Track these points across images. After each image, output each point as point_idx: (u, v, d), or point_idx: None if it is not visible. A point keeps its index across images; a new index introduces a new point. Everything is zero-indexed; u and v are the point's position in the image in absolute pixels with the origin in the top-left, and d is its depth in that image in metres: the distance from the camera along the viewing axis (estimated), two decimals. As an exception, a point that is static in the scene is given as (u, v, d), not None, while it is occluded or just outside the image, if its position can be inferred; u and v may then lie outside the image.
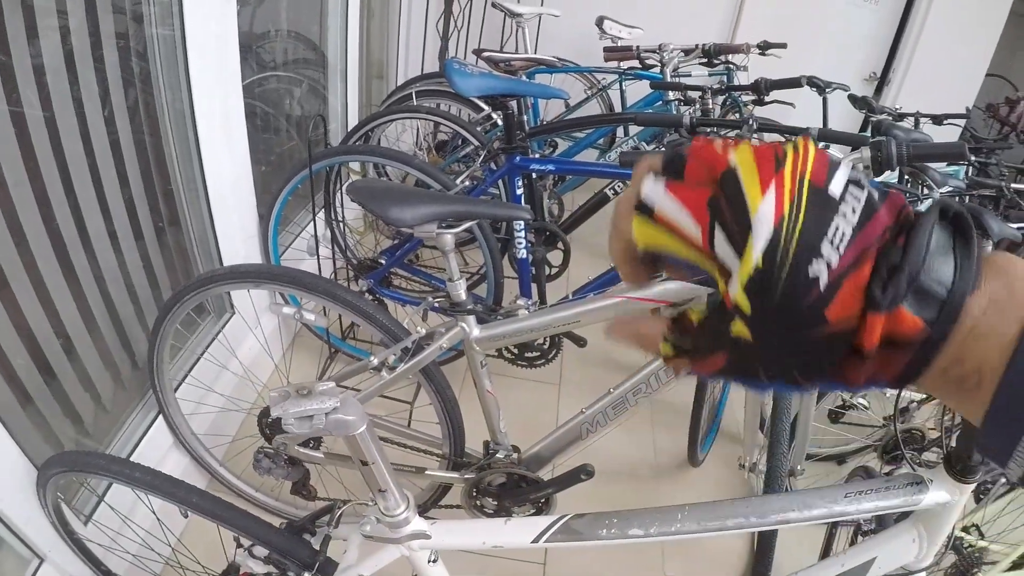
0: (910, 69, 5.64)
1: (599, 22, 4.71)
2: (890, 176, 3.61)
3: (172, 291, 1.99)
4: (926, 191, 3.63)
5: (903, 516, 1.31)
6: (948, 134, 4.82)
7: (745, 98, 3.70)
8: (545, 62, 3.90)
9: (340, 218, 3.04)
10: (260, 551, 1.41)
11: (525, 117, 2.95)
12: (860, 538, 1.76)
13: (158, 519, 1.85)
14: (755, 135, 2.47)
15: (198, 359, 2.40)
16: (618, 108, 4.77)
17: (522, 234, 2.76)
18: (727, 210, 0.44)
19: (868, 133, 3.94)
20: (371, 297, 2.86)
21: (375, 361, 1.78)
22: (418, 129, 4.24)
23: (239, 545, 1.45)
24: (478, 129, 3.39)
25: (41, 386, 1.81)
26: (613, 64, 4.55)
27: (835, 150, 3.85)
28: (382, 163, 2.90)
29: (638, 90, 4.43)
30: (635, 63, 4.40)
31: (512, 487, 2.03)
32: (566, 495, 1.97)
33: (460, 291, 1.79)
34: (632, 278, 0.53)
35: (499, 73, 3.32)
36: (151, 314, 2.18)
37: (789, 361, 0.44)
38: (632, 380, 1.85)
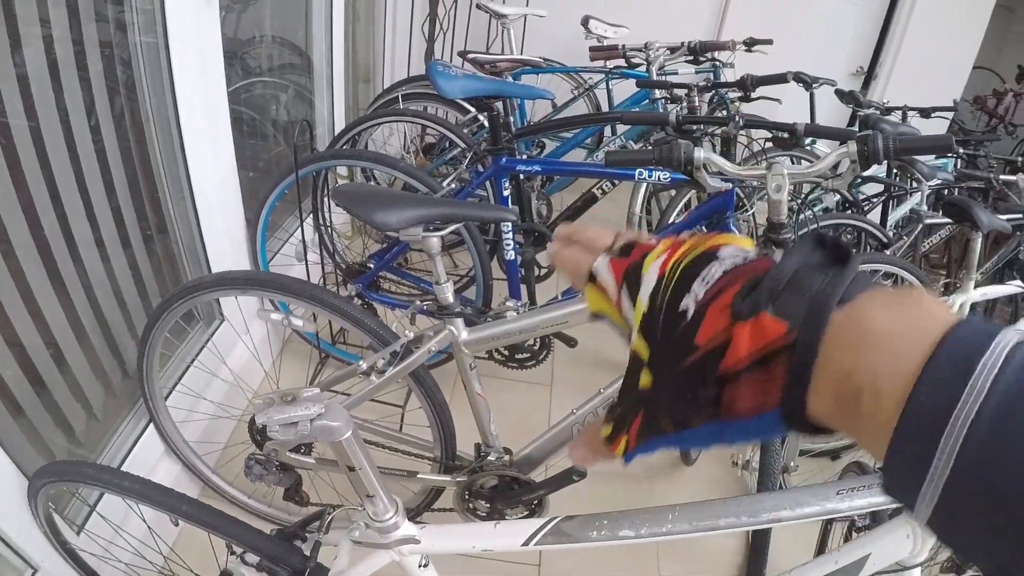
0: (897, 63, 5.66)
1: (584, 22, 4.71)
2: (878, 170, 3.64)
3: (161, 298, 1.98)
4: (915, 184, 3.66)
5: (897, 512, 1.31)
6: (936, 127, 4.85)
7: (732, 95, 3.70)
8: (531, 63, 3.89)
9: (328, 223, 3.04)
10: (252, 558, 1.40)
11: (511, 118, 2.95)
12: (854, 535, 1.76)
13: (149, 528, 1.84)
14: (742, 131, 2.47)
15: (188, 367, 2.39)
16: (605, 107, 4.77)
17: (510, 236, 2.76)
18: (633, 275, 0.52)
19: (856, 127, 3.97)
20: (360, 301, 2.86)
21: (364, 366, 1.77)
22: (405, 132, 4.23)
23: (231, 552, 1.44)
24: (464, 131, 3.38)
25: (31, 396, 1.80)
26: (599, 63, 4.56)
27: (822, 145, 3.90)
28: (369, 167, 2.89)
29: (625, 89, 4.43)
30: (621, 62, 4.41)
31: (504, 489, 2.03)
32: (559, 496, 1.97)
33: (447, 294, 1.79)
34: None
35: (484, 75, 3.32)
36: (140, 322, 2.17)
37: (680, 401, 0.47)
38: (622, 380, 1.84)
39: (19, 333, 1.72)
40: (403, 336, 1.80)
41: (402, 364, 1.78)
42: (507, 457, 2.02)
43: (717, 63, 4.34)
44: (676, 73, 4.29)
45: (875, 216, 3.81)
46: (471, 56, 3.56)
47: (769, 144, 2.59)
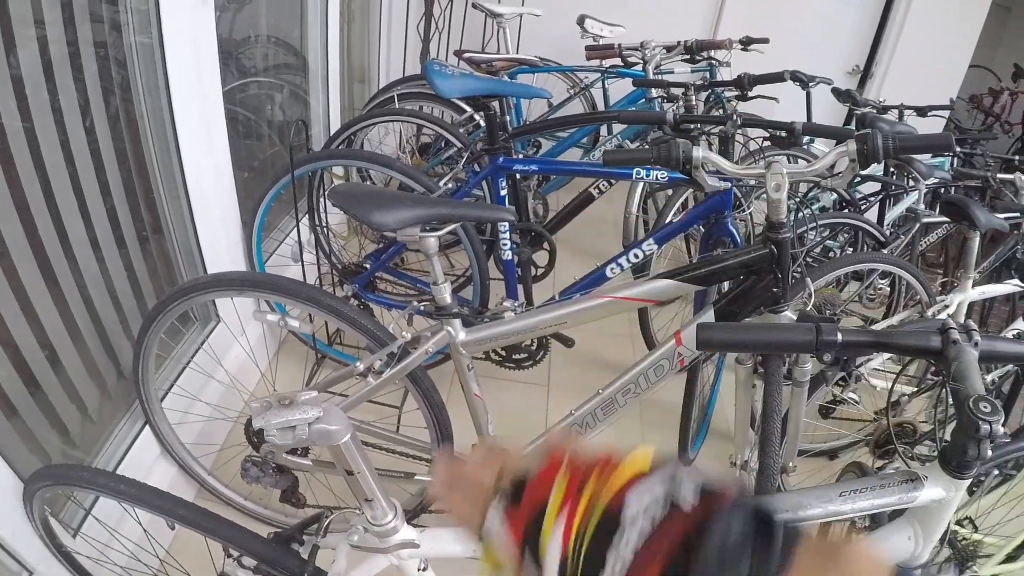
0: (893, 62, 5.65)
1: (580, 21, 4.70)
2: (875, 169, 3.63)
3: (156, 299, 1.97)
4: (912, 183, 3.65)
5: (897, 513, 1.30)
6: (932, 126, 4.85)
7: (728, 94, 3.69)
8: (527, 62, 3.88)
9: (324, 223, 3.02)
10: (249, 561, 1.39)
11: (508, 118, 2.94)
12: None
13: (145, 531, 1.83)
14: (740, 130, 2.46)
15: (184, 368, 2.38)
16: (601, 107, 4.76)
17: (507, 235, 2.75)
18: (532, 537, 0.51)
19: (852, 126, 3.97)
20: (356, 302, 2.84)
21: (361, 367, 1.76)
22: (400, 132, 4.22)
23: (228, 555, 1.43)
24: (461, 131, 3.37)
25: (26, 397, 1.79)
26: (595, 63, 4.54)
27: (820, 144, 3.89)
28: (364, 167, 2.87)
29: (621, 88, 4.43)
30: (617, 61, 4.39)
31: (502, 491, 2.01)
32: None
33: (445, 294, 1.78)
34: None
35: (480, 74, 3.30)
36: (136, 323, 2.16)
37: None
38: (621, 380, 1.84)
39: (13, 334, 1.71)
40: (400, 337, 1.79)
41: (399, 365, 1.76)
42: (505, 458, 2.00)
43: (713, 62, 4.33)
44: (672, 72, 4.27)
45: (872, 215, 3.80)
46: (467, 55, 3.55)
47: (767, 143, 2.59)
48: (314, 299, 1.85)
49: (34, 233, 1.74)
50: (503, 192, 2.82)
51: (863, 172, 2.83)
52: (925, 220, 3.51)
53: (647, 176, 2.72)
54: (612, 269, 2.62)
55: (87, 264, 1.98)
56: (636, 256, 2.59)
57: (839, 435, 3.00)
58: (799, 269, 1.84)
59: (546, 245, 3.12)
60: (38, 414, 1.85)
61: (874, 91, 5.70)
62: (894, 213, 3.81)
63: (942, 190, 3.72)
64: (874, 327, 3.28)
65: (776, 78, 3.47)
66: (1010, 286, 3.18)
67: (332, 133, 3.38)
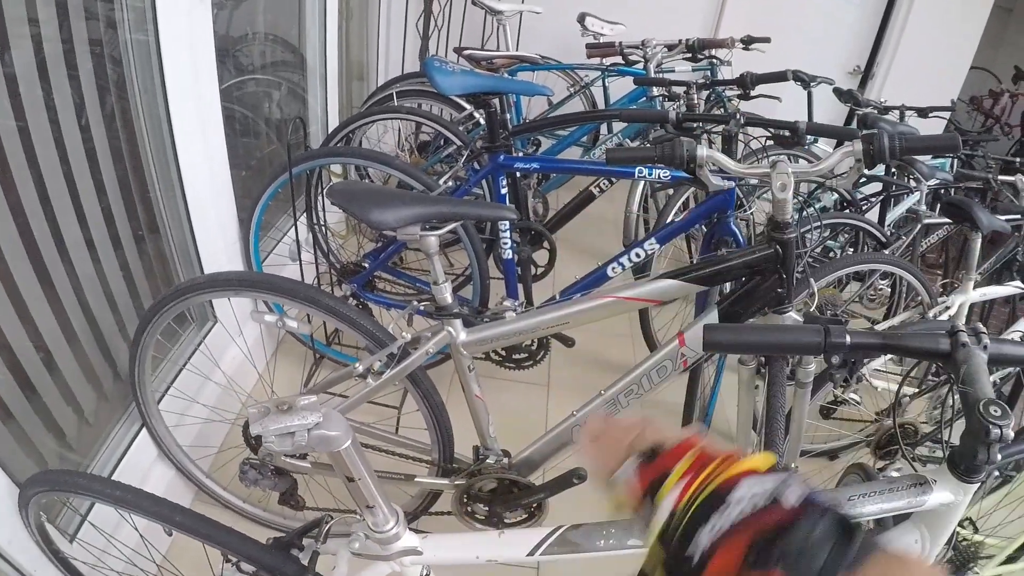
0: (894, 62, 5.64)
1: (581, 19, 4.68)
2: (877, 169, 3.61)
3: (153, 300, 1.95)
4: (913, 183, 3.64)
5: (902, 516, 1.29)
6: (934, 127, 4.84)
7: (730, 93, 3.67)
8: (527, 59, 3.86)
9: (322, 222, 3.00)
10: (247, 567, 1.37)
11: (508, 115, 2.92)
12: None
13: (142, 537, 1.80)
14: (742, 129, 2.44)
15: (180, 370, 2.35)
16: (601, 105, 4.73)
17: (507, 234, 2.73)
18: (653, 489, 0.62)
19: (853, 126, 3.95)
20: (355, 302, 2.82)
21: (360, 368, 1.74)
22: (399, 130, 4.19)
23: (227, 560, 1.41)
24: (460, 128, 3.35)
25: (21, 401, 1.77)
26: (596, 61, 4.52)
27: (822, 144, 3.87)
28: (363, 165, 2.85)
29: (621, 87, 4.41)
30: (618, 59, 4.37)
31: (503, 492, 2.00)
32: (558, 499, 1.94)
33: (446, 294, 1.75)
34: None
35: (480, 71, 3.29)
36: (132, 324, 2.14)
37: None
38: (623, 382, 1.82)
39: (8, 336, 1.69)
40: (400, 337, 1.76)
41: (399, 366, 1.74)
42: (506, 460, 1.99)
43: (715, 61, 4.31)
44: (673, 71, 4.26)
45: (873, 215, 3.79)
46: (467, 52, 3.53)
47: (769, 142, 2.58)
48: (312, 299, 1.82)
49: (28, 233, 1.72)
50: (503, 190, 2.80)
51: (869, 172, 2.81)
52: (926, 221, 3.51)
53: (649, 175, 2.71)
54: (613, 268, 2.60)
55: (82, 265, 1.95)
56: (637, 256, 2.57)
57: (840, 436, 2.99)
58: (802, 269, 1.82)
59: (546, 244, 3.10)
60: (34, 417, 1.82)
61: (875, 91, 5.68)
62: (895, 214, 3.80)
63: (942, 191, 3.72)
64: (876, 328, 3.27)
65: (779, 77, 3.45)
66: (1011, 288, 3.18)
67: (330, 131, 3.36)
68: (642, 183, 3.78)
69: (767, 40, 4.22)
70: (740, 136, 2.49)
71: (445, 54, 5.01)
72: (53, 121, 1.77)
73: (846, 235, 3.92)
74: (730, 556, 0.53)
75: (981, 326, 1.10)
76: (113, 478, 2.00)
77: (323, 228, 3.01)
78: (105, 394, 2.14)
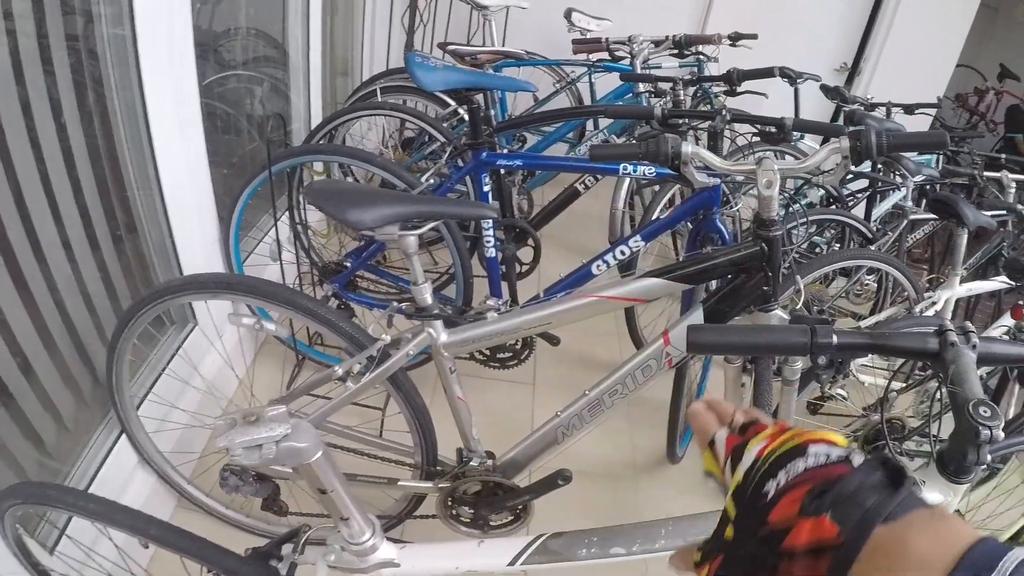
0: (881, 59, 5.64)
1: (567, 14, 4.66)
2: (864, 165, 3.61)
3: (132, 302, 1.91)
4: (899, 179, 3.64)
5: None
6: (920, 123, 4.85)
7: (716, 89, 3.65)
8: (512, 55, 3.83)
9: (303, 221, 2.96)
10: (226, 578, 1.34)
11: (492, 112, 2.89)
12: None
13: (119, 550, 1.77)
14: (728, 126, 2.42)
15: (159, 375, 2.31)
16: (587, 101, 4.71)
17: (490, 232, 2.70)
18: (738, 452, 0.65)
19: (840, 122, 3.94)
20: (337, 302, 2.78)
21: (340, 371, 1.71)
22: (383, 127, 4.16)
23: (208, 570, 1.38)
24: (444, 125, 3.31)
25: (-3, 407, 1.73)
26: (582, 56, 4.49)
27: (810, 140, 3.86)
28: (345, 162, 2.82)
29: (607, 83, 4.39)
30: (604, 55, 4.34)
31: (488, 495, 1.97)
32: (544, 499, 1.91)
33: (426, 295, 1.72)
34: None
35: (464, 66, 3.25)
36: (111, 327, 2.09)
37: (750, 559, 0.58)
38: (607, 382, 1.79)
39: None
40: (380, 339, 1.73)
41: (379, 369, 1.71)
42: (490, 462, 1.97)
43: (701, 57, 4.29)
44: (660, 67, 4.24)
45: (859, 211, 3.79)
46: (451, 48, 3.50)
47: (755, 139, 2.56)
48: (290, 301, 1.78)
49: (2, 234, 1.68)
50: (487, 188, 2.77)
51: (855, 168, 2.80)
52: (912, 217, 3.50)
53: (634, 171, 2.68)
54: (598, 266, 2.58)
55: (59, 266, 1.91)
56: (622, 253, 2.55)
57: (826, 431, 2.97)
58: (788, 266, 1.80)
59: (531, 241, 3.07)
60: (11, 425, 1.79)
61: (861, 88, 5.68)
62: (881, 209, 3.80)
63: (928, 187, 3.72)
64: (862, 323, 3.26)
65: (766, 74, 3.44)
66: (997, 283, 3.18)
67: (313, 128, 3.32)
68: (628, 180, 3.76)
69: (754, 36, 4.20)
70: (726, 132, 2.47)
71: (430, 49, 4.97)
72: (28, 119, 1.73)
73: (832, 231, 3.91)
74: (792, 503, 0.55)
75: (970, 324, 1.08)
76: (90, 489, 1.97)
77: (304, 227, 2.98)
78: (84, 400, 2.10)
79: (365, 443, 2.00)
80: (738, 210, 2.71)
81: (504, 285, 2.93)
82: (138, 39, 2.02)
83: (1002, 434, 0.97)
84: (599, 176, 3.15)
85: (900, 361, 2.29)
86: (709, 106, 3.82)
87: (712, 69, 4.23)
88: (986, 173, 3.72)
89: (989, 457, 1.01)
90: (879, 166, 3.72)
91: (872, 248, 3.38)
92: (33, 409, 1.87)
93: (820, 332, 1.06)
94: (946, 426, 1.08)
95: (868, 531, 0.50)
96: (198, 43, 2.31)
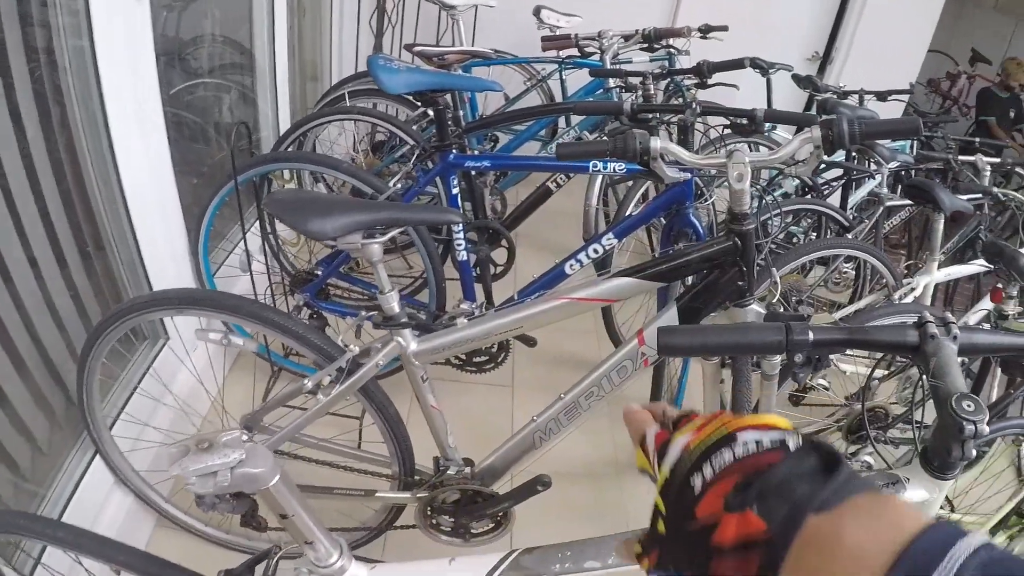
0: (852, 48, 5.66)
1: (536, 11, 4.63)
2: (838, 153, 3.60)
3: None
4: (874, 167, 3.63)
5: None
6: (893, 110, 4.85)
7: (688, 82, 3.64)
8: (480, 54, 3.80)
9: (272, 230, 2.92)
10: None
11: (461, 112, 2.86)
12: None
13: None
14: (699, 119, 2.40)
15: (131, 394, 2.27)
16: (559, 98, 4.69)
17: (461, 235, 2.67)
18: (665, 447, 0.61)
19: (813, 112, 3.93)
20: (308, 311, 2.74)
21: (309, 384, 1.67)
22: (354, 131, 4.12)
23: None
24: (414, 128, 3.28)
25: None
26: (552, 53, 4.46)
27: (782, 131, 3.85)
28: (313, 170, 2.79)
29: (578, 79, 4.36)
30: (574, 51, 4.32)
31: (467, 503, 1.94)
32: (526, 502, 1.89)
33: (393, 303, 1.69)
34: None
35: (429, 68, 3.22)
36: (82, 346, 2.06)
37: (682, 554, 0.56)
38: (583, 384, 1.77)
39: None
40: (349, 350, 1.70)
41: (349, 381, 1.68)
42: (468, 469, 1.94)
43: (672, 50, 4.27)
44: (630, 61, 4.22)
45: (835, 200, 3.78)
46: (418, 49, 3.46)
47: (727, 131, 2.53)
48: (257, 315, 1.75)
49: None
50: (455, 190, 2.74)
51: (829, 157, 2.79)
52: (888, 203, 3.50)
53: (604, 168, 2.66)
54: (571, 266, 2.55)
55: (26, 284, 1.87)
56: (596, 251, 2.53)
57: (809, 421, 2.96)
58: (764, 259, 1.78)
59: (504, 242, 3.04)
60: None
61: (833, 77, 5.70)
62: (857, 197, 3.80)
63: (903, 173, 3.72)
64: (842, 312, 3.26)
65: (736, 65, 3.43)
66: (975, 266, 3.18)
67: (281, 134, 3.28)
68: (600, 177, 3.74)
69: (725, 28, 4.19)
70: (698, 125, 2.45)
71: (400, 52, 4.94)
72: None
73: (808, 220, 3.91)
74: (717, 498, 0.52)
75: (950, 316, 1.05)
76: (67, 511, 1.94)
77: (274, 237, 2.93)
78: (58, 420, 2.07)
79: (341, 455, 1.96)
80: (712, 203, 2.69)
81: (479, 287, 2.91)
82: (96, 50, 1.98)
83: (987, 428, 0.95)
84: (570, 174, 3.12)
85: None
86: (681, 99, 3.81)
87: (683, 62, 4.21)
88: (960, 157, 3.72)
89: (975, 452, 0.99)
90: (853, 154, 3.72)
91: (849, 236, 3.38)
92: (5, 431, 1.83)
93: (795, 329, 1.03)
94: (929, 412, 1.05)
95: (798, 524, 0.47)
96: (164, 52, 2.28)
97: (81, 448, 2.09)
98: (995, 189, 3.38)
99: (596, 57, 4.15)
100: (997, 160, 3.89)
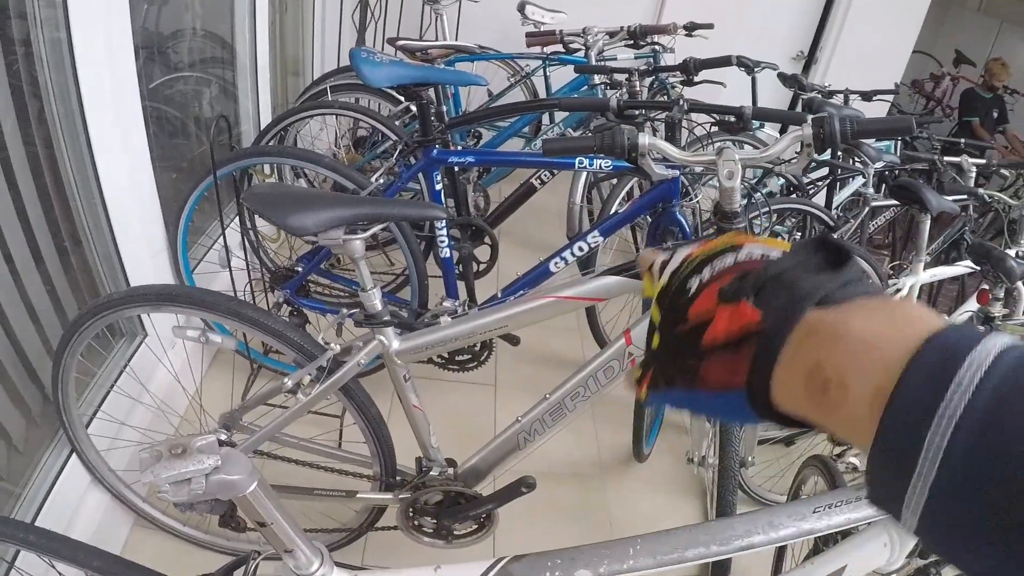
0: (837, 47, 5.67)
1: (521, 7, 4.60)
2: (825, 153, 3.59)
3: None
4: (860, 166, 3.62)
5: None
6: (877, 110, 4.86)
7: (673, 80, 3.62)
8: (464, 49, 3.76)
9: (252, 225, 2.87)
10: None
11: (444, 107, 2.82)
12: (824, 545, 1.69)
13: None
14: (686, 116, 2.38)
15: (108, 392, 2.23)
16: (543, 95, 4.66)
17: (444, 232, 2.64)
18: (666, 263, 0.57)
19: (799, 110, 3.92)
20: (288, 308, 2.70)
21: (289, 383, 1.64)
22: (335, 126, 4.08)
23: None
24: (396, 123, 3.24)
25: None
26: (536, 49, 4.44)
27: (770, 129, 3.83)
28: (294, 164, 2.74)
29: (563, 76, 4.33)
30: (559, 48, 4.31)
31: (450, 504, 1.91)
32: (508, 504, 1.86)
33: (375, 301, 1.65)
34: None
35: (413, 61, 3.18)
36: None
37: (671, 363, 0.52)
38: (568, 384, 1.73)
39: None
40: (330, 349, 1.66)
41: (330, 380, 1.65)
42: (451, 470, 1.90)
43: (657, 47, 4.27)
44: (615, 58, 4.21)
45: (820, 199, 3.78)
46: (401, 43, 3.43)
47: (714, 128, 2.51)
48: (234, 312, 1.71)
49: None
50: (438, 186, 2.71)
51: (819, 156, 2.78)
52: (874, 203, 3.49)
53: (590, 165, 2.63)
54: (556, 263, 2.53)
55: (1, 280, 1.85)
56: (580, 249, 2.50)
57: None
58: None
59: (488, 239, 3.00)
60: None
61: (818, 76, 5.72)
62: (842, 197, 3.79)
63: (888, 173, 3.72)
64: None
65: (723, 62, 3.42)
66: (961, 267, 3.18)
67: (262, 129, 3.23)
68: (584, 174, 3.72)
69: (710, 26, 4.19)
70: (684, 123, 2.42)
71: (382, 46, 4.89)
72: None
73: (793, 220, 3.89)
74: (712, 295, 0.49)
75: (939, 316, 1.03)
76: (43, 510, 1.90)
77: (253, 232, 2.89)
78: (34, 418, 2.03)
79: (322, 455, 1.93)
80: (698, 201, 2.67)
81: (461, 284, 2.88)
82: (74, 43, 1.94)
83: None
84: (555, 171, 3.09)
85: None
86: (666, 97, 3.79)
87: (668, 60, 4.20)
88: (946, 158, 3.73)
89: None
90: (839, 153, 3.71)
91: (834, 236, 3.36)
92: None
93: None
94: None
95: (797, 314, 0.43)
96: (144, 45, 2.24)
97: (57, 447, 2.05)
98: (980, 190, 3.38)
99: (581, 54, 4.14)
100: (983, 161, 3.90)
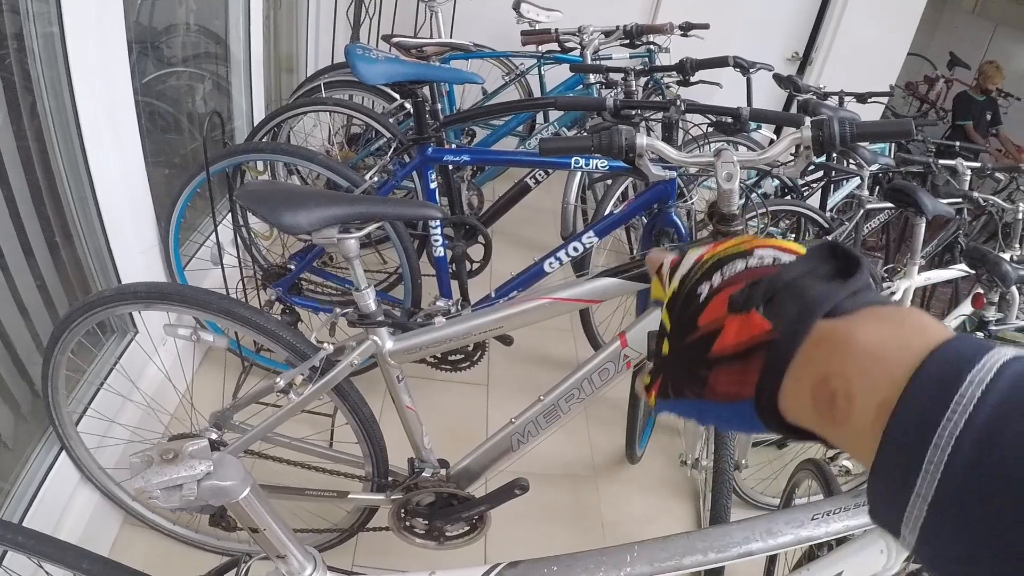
0: (832, 48, 5.67)
1: (516, 5, 4.58)
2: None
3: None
4: (855, 168, 3.62)
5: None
6: (872, 112, 4.86)
7: (668, 80, 3.60)
8: (459, 47, 3.74)
9: (245, 223, 2.85)
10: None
11: (439, 105, 2.81)
12: (819, 551, 1.68)
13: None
14: (682, 117, 2.36)
15: (98, 389, 2.21)
16: (537, 93, 4.64)
17: (438, 231, 2.63)
18: (677, 265, 0.57)
19: (794, 111, 3.92)
20: (281, 307, 2.68)
21: (281, 383, 1.62)
22: (329, 123, 4.06)
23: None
24: (391, 120, 3.22)
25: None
26: (531, 48, 4.42)
27: (765, 130, 3.82)
28: (287, 161, 2.73)
29: (558, 74, 4.32)
30: (554, 46, 4.29)
31: (442, 506, 1.90)
32: (500, 506, 1.86)
33: (369, 300, 1.64)
34: None
35: (408, 59, 3.16)
36: (49, 339, 2.01)
37: (680, 372, 0.52)
38: (563, 386, 1.72)
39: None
40: (322, 348, 1.65)
41: (322, 380, 1.63)
42: (443, 471, 1.89)
43: (653, 47, 4.25)
44: (611, 58, 4.20)
45: (814, 201, 3.77)
46: (396, 40, 3.41)
47: (710, 129, 2.50)
48: (226, 311, 1.70)
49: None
50: (433, 185, 2.70)
51: (818, 159, 2.77)
52: (868, 206, 3.49)
53: (586, 165, 2.62)
54: (550, 264, 2.51)
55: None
56: (575, 250, 2.49)
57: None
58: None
59: (481, 239, 2.99)
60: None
61: (813, 77, 5.73)
62: (836, 199, 3.79)
63: (880, 175, 3.71)
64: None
65: (719, 63, 3.41)
66: (956, 271, 3.17)
67: (255, 125, 3.21)
68: (579, 174, 3.70)
69: (706, 26, 4.17)
70: (680, 123, 2.41)
71: (377, 43, 4.87)
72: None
73: (787, 222, 3.89)
74: (722, 303, 0.48)
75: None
76: (32, 507, 1.89)
77: (246, 230, 2.87)
78: (24, 415, 2.02)
79: (313, 455, 1.92)
80: (694, 203, 2.66)
81: (455, 284, 2.87)
82: (67, 38, 1.93)
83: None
84: (550, 170, 3.08)
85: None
86: (661, 97, 3.78)
87: (663, 59, 4.18)
88: (941, 161, 3.73)
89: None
90: (834, 155, 3.70)
91: (829, 239, 3.36)
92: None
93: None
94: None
95: (807, 323, 0.42)
96: (137, 40, 2.22)
97: (46, 444, 2.04)
98: (975, 193, 3.38)
99: (576, 53, 4.12)
100: (978, 164, 3.90)
